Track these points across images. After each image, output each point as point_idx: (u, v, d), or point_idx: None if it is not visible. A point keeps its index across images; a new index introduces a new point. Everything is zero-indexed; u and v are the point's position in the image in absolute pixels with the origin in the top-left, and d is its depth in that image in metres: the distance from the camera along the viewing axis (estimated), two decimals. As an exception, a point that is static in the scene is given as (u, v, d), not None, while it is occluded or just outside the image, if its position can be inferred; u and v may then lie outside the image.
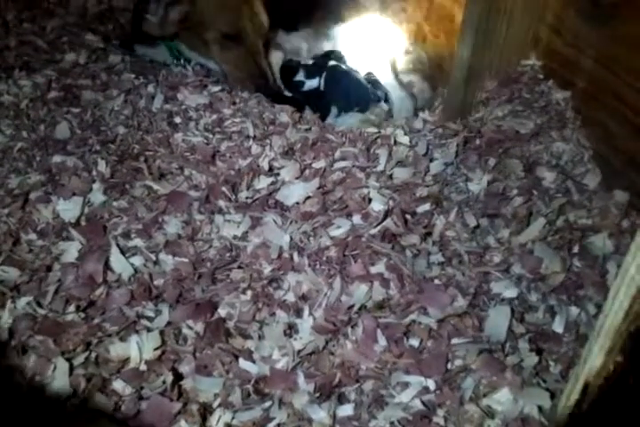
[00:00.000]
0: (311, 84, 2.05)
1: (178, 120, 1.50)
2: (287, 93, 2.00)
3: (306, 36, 2.21)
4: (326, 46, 2.19)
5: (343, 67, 2.06)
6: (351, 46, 2.14)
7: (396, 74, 1.99)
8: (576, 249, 1.29)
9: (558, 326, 1.15)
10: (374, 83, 2.02)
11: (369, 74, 2.07)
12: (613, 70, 1.42)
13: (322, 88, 2.03)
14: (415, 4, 2.18)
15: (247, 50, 1.80)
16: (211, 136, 1.45)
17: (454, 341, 1.07)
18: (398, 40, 2.16)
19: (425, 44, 2.13)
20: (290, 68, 2.09)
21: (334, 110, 1.94)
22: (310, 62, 2.08)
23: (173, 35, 1.85)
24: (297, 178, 1.36)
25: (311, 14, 2.19)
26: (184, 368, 1.04)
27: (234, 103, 1.60)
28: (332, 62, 2.07)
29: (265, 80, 1.80)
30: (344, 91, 1.97)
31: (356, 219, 1.28)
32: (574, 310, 1.18)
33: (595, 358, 0.70)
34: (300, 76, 2.07)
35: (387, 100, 1.93)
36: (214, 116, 1.52)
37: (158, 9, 1.77)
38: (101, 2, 2.20)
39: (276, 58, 2.11)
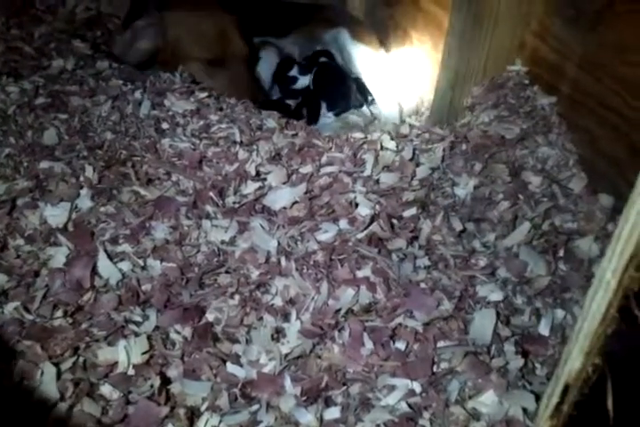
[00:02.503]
0: (304, 80, 2.09)
1: (165, 126, 1.51)
2: (277, 95, 2.01)
3: (297, 41, 2.22)
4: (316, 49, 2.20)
5: (333, 64, 2.08)
6: (340, 52, 2.16)
7: (384, 81, 1.99)
8: (561, 253, 1.30)
9: (544, 329, 1.16)
10: (361, 86, 2.04)
11: (357, 79, 2.09)
12: (597, 76, 1.44)
13: (311, 83, 2.06)
14: (402, 10, 2.20)
15: (232, 73, 1.80)
16: (198, 142, 1.45)
17: (440, 344, 1.08)
18: (385, 47, 2.18)
19: (412, 49, 2.15)
20: (286, 63, 2.15)
21: (324, 106, 1.96)
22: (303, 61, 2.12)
23: (144, 65, 1.84)
24: (284, 183, 1.37)
25: (302, 20, 2.20)
26: (172, 372, 1.05)
27: (220, 109, 1.60)
28: (322, 59, 2.10)
29: (255, 97, 1.80)
30: (332, 86, 2.00)
31: (343, 223, 1.28)
32: (560, 313, 1.19)
33: (574, 361, 0.71)
34: (293, 72, 2.13)
35: (371, 103, 1.94)
36: (201, 122, 1.52)
37: (126, 32, 1.76)
38: (89, 8, 2.20)
39: (271, 57, 2.12)
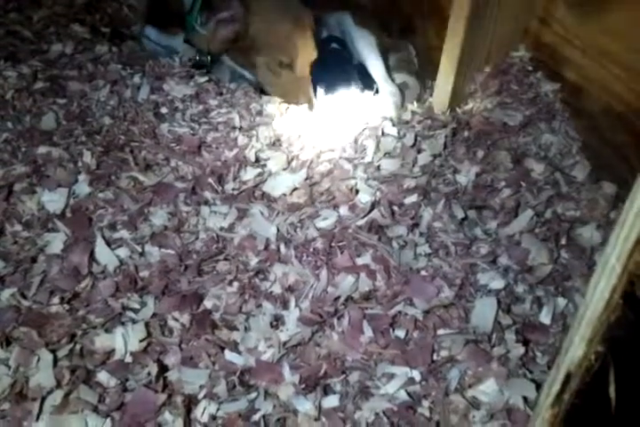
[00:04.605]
0: None
1: (164, 111, 1.49)
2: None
3: None
4: (323, 34, 2.18)
5: (342, 52, 2.05)
6: (343, 35, 2.13)
7: (386, 68, 1.97)
8: (564, 241, 1.29)
9: (545, 318, 1.15)
10: (363, 72, 2.01)
11: (359, 64, 2.06)
12: (601, 62, 1.42)
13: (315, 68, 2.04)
14: (406, -4, 2.17)
15: (296, 77, 1.79)
16: (197, 127, 1.44)
17: (440, 332, 1.07)
18: (388, 34, 2.15)
19: (415, 37, 2.12)
20: None
21: (320, 90, 1.94)
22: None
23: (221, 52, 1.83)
24: (284, 169, 1.36)
25: (306, 3, 2.18)
26: (169, 360, 1.04)
27: (220, 94, 1.59)
28: (333, 45, 2.07)
29: (310, 101, 1.78)
30: (333, 71, 1.97)
31: (343, 210, 1.27)
32: (561, 302, 1.18)
33: (576, 348, 0.70)
34: None
35: (373, 90, 1.91)
36: (200, 107, 1.51)
37: (209, 23, 1.75)
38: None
39: None
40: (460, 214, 1.31)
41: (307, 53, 1.77)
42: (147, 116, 1.45)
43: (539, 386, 0.99)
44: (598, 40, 1.43)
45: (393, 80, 1.95)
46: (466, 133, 1.55)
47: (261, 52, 1.74)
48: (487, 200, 1.38)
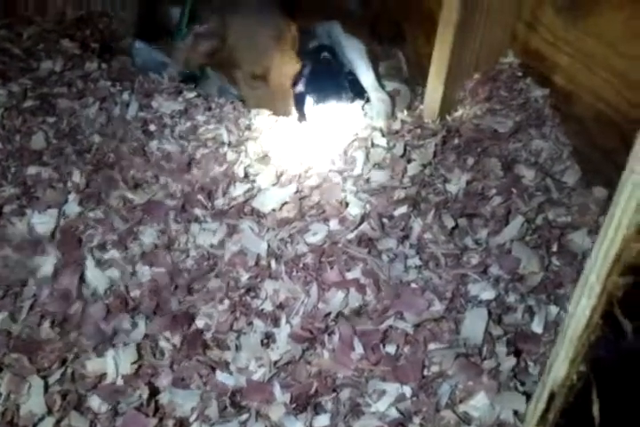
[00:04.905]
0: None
1: (153, 128, 1.49)
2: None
3: None
4: (312, 43, 2.18)
5: (332, 61, 2.05)
6: (333, 44, 2.13)
7: (377, 76, 1.97)
8: (555, 247, 1.29)
9: (537, 327, 1.15)
10: (353, 81, 2.01)
11: (349, 73, 2.06)
12: (590, 67, 1.42)
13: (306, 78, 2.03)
14: (395, 3, 2.17)
15: (273, 90, 1.79)
16: (186, 144, 1.44)
17: (431, 346, 1.07)
18: (378, 41, 2.16)
19: (405, 44, 2.13)
20: None
21: (310, 100, 1.93)
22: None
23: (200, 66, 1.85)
24: (273, 184, 1.36)
25: (294, 13, 2.17)
26: (161, 382, 1.04)
27: (209, 109, 1.59)
28: (324, 54, 2.07)
29: (288, 114, 1.78)
30: (324, 81, 1.97)
31: (333, 224, 1.27)
32: (553, 309, 1.18)
33: (559, 368, 0.70)
34: None
35: (364, 99, 1.92)
36: (189, 124, 1.51)
37: (187, 37, 1.75)
38: (80, 7, 2.18)
39: None
40: (450, 224, 1.31)
41: (285, 65, 1.78)
42: (135, 134, 1.45)
43: (530, 397, 0.99)
44: (587, 45, 1.43)
45: (383, 88, 1.95)
46: (456, 141, 1.55)
47: (238, 66, 1.75)
48: (478, 208, 1.37)
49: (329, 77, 1.98)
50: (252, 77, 1.75)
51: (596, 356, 0.67)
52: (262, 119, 1.58)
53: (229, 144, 1.46)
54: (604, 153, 1.39)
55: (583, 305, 0.67)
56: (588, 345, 0.67)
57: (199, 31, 1.69)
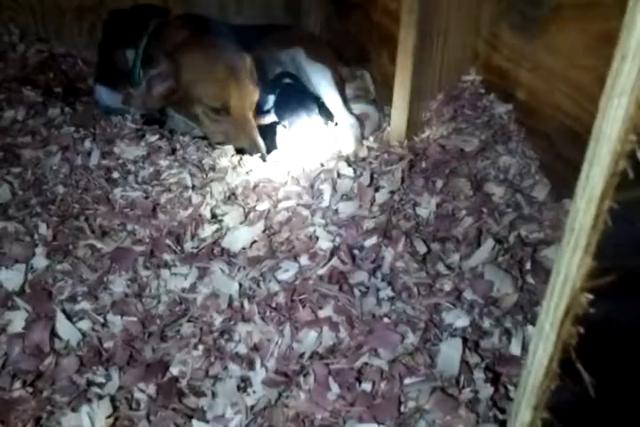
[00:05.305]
0: (268, 102, 2.06)
1: (116, 175, 1.49)
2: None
3: (255, 64, 2.20)
4: (277, 70, 2.18)
5: (296, 86, 2.06)
6: (298, 72, 2.13)
7: (344, 100, 1.97)
8: (528, 265, 1.29)
9: (515, 348, 1.14)
10: (322, 107, 2.01)
11: (317, 98, 2.06)
12: (550, 81, 1.43)
13: (273, 106, 2.04)
14: (356, 25, 2.18)
15: (235, 123, 1.79)
16: (150, 189, 1.44)
17: (407, 381, 1.05)
18: (344, 63, 2.16)
19: (370, 64, 2.13)
20: None
21: (281, 130, 1.93)
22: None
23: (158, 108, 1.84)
24: (241, 223, 1.36)
25: (257, 43, 2.18)
26: (138, 435, 1.03)
27: (173, 151, 1.59)
28: (286, 80, 2.08)
29: (255, 146, 1.78)
30: (293, 108, 1.97)
31: (304, 259, 1.27)
32: (531, 329, 1.17)
33: (523, 414, 0.69)
34: None
35: (334, 124, 1.92)
36: (152, 169, 1.51)
37: (142, 81, 1.75)
38: (41, 51, 2.18)
39: None
40: (422, 249, 1.30)
41: (243, 96, 1.78)
42: (99, 183, 1.45)
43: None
44: (544, 59, 1.44)
45: (351, 111, 1.95)
46: (423, 164, 1.56)
47: (198, 102, 1.75)
48: (450, 230, 1.38)
49: (297, 104, 1.99)
50: (213, 111, 1.74)
51: (559, 403, 0.66)
52: (226, 159, 1.58)
53: (193, 187, 1.45)
54: (571, 165, 1.39)
55: (540, 353, 0.66)
56: (549, 393, 0.66)
57: (152, 74, 1.68)
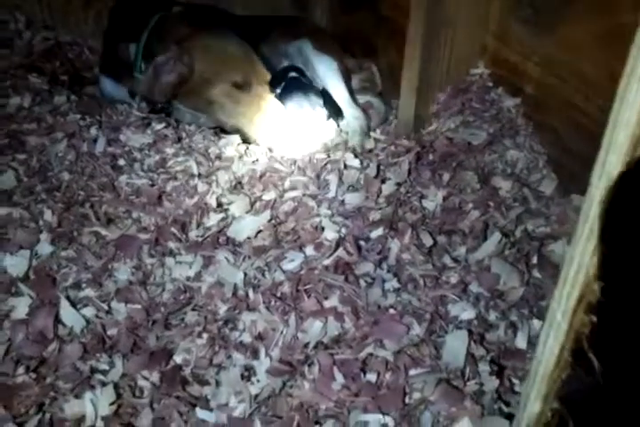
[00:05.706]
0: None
1: (122, 162, 1.48)
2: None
3: (262, 57, 2.19)
4: (284, 63, 2.17)
5: (302, 80, 2.04)
6: (305, 65, 2.12)
7: (350, 92, 1.96)
8: (535, 260, 1.28)
9: (521, 342, 1.13)
10: (328, 99, 2.00)
11: (323, 91, 2.05)
12: (559, 75, 1.42)
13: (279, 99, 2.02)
14: (364, 18, 2.17)
15: (257, 97, 1.77)
16: (156, 177, 1.43)
17: (412, 372, 1.05)
18: (350, 56, 2.15)
19: (377, 57, 2.12)
20: None
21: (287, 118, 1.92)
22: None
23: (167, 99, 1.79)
24: (247, 212, 1.35)
25: (264, 35, 2.17)
26: (141, 422, 1.02)
27: (179, 139, 1.58)
28: (292, 74, 2.06)
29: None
30: (299, 101, 1.96)
31: (309, 250, 1.27)
32: (537, 323, 1.16)
33: (533, 405, 0.68)
34: None
35: (340, 116, 1.90)
36: (158, 157, 1.50)
37: (147, 69, 1.72)
38: (47, 38, 2.17)
39: None
40: (428, 242, 1.30)
41: (259, 72, 1.77)
42: (105, 170, 1.44)
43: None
44: (554, 53, 1.43)
45: (358, 103, 1.94)
46: (430, 157, 1.55)
47: (213, 83, 1.72)
48: (456, 223, 1.37)
49: (302, 97, 1.97)
50: (236, 87, 1.72)
51: (569, 393, 0.66)
52: (233, 148, 1.57)
53: (199, 175, 1.45)
54: (578, 160, 1.38)
55: (551, 343, 0.66)
56: (560, 383, 0.65)
57: (159, 62, 1.66)
